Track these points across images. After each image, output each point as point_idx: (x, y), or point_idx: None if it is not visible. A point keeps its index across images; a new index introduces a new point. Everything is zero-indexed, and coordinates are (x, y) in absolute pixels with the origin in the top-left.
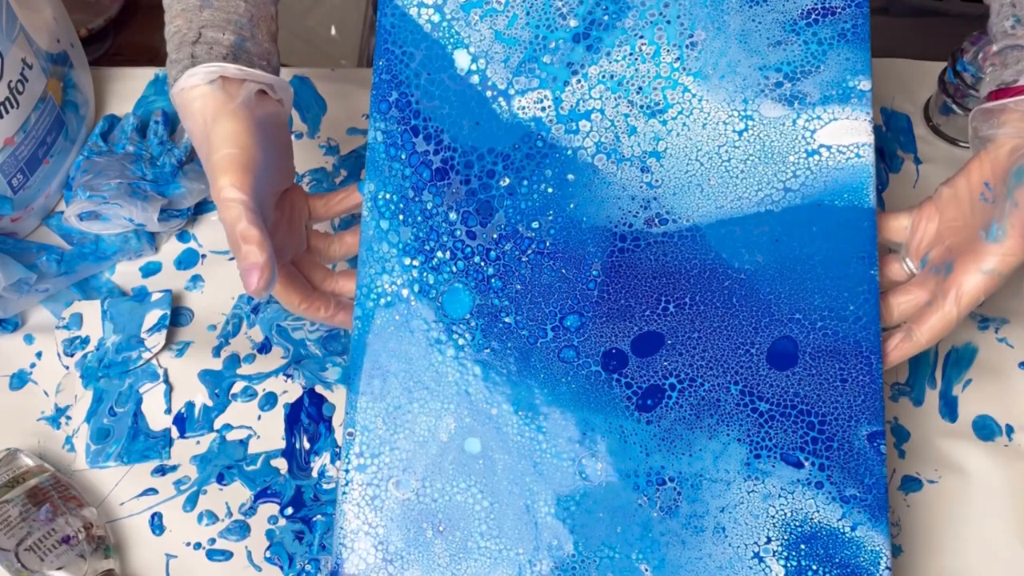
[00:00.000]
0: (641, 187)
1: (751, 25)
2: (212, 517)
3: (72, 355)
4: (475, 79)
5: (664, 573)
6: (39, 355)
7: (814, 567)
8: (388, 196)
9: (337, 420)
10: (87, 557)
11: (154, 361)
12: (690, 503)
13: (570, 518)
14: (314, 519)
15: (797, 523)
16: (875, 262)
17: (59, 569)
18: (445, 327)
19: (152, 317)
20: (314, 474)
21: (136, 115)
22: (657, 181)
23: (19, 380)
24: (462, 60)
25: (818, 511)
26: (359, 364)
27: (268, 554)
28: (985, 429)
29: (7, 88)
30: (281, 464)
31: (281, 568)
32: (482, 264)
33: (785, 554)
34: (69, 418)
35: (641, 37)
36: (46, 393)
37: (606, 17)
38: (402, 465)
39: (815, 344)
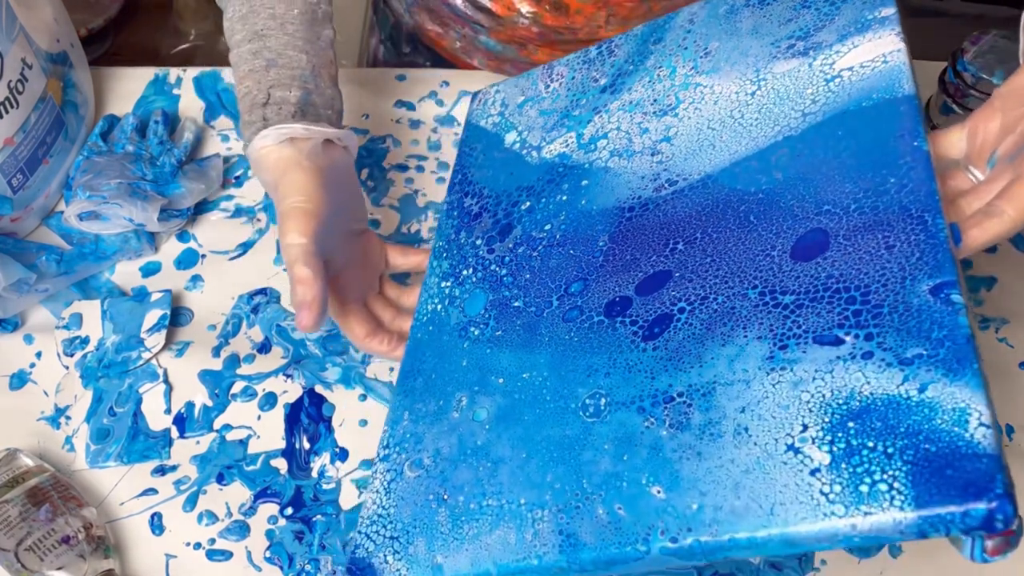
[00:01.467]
0: (652, 166)
1: (762, 20)
2: (212, 517)
3: (72, 355)
4: (516, 146)
5: (679, 491)
6: (39, 355)
7: (870, 444)
8: (440, 244)
9: (337, 420)
10: (87, 557)
11: (154, 361)
12: (703, 412)
13: (573, 458)
14: (314, 519)
15: (840, 401)
16: (921, 135)
17: (59, 569)
18: (463, 325)
19: (152, 317)
20: (314, 474)
21: (136, 115)
22: (668, 157)
23: (19, 380)
24: (510, 138)
25: (868, 383)
26: (402, 369)
27: (268, 554)
28: None
29: (7, 88)
30: (281, 464)
31: (281, 568)
32: (497, 269)
33: (828, 438)
34: (69, 418)
35: (660, 67)
36: (46, 393)
37: (631, 66)
38: (417, 447)
39: (849, 226)
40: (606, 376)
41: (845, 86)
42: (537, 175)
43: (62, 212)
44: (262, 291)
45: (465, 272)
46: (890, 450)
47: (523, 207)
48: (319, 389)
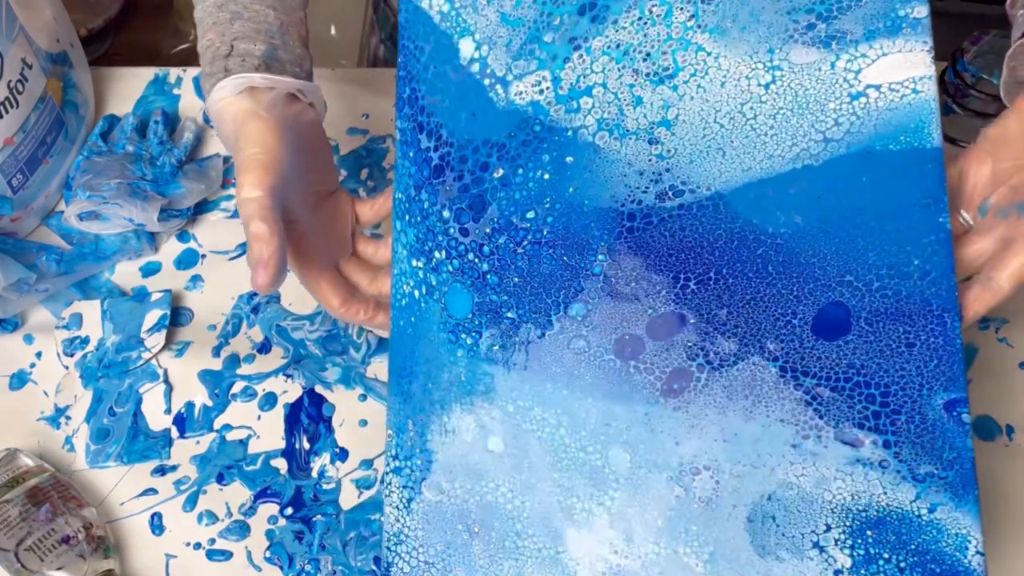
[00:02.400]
0: (650, 160)
1: None
2: (212, 517)
3: (72, 355)
4: (475, 67)
5: (717, 567)
6: (39, 355)
7: (885, 555)
8: (400, 196)
9: (337, 420)
10: (87, 557)
11: (154, 361)
12: (731, 492)
13: (606, 513)
14: (314, 519)
15: (860, 508)
16: (945, 208)
17: (59, 569)
18: (451, 328)
19: (152, 317)
20: (314, 474)
21: (136, 115)
22: (669, 151)
23: (19, 380)
24: (466, 48)
25: (885, 493)
26: (392, 364)
27: (268, 554)
28: (985, 429)
29: (7, 88)
30: (281, 464)
31: (281, 568)
32: (476, 260)
33: (850, 543)
34: (69, 418)
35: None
36: (46, 393)
37: None
38: (432, 467)
39: (872, 307)
40: (627, 429)
41: (871, 112)
42: (507, 128)
43: (62, 212)
44: None
45: (437, 255)
46: (902, 564)
47: (495, 175)
48: (319, 389)
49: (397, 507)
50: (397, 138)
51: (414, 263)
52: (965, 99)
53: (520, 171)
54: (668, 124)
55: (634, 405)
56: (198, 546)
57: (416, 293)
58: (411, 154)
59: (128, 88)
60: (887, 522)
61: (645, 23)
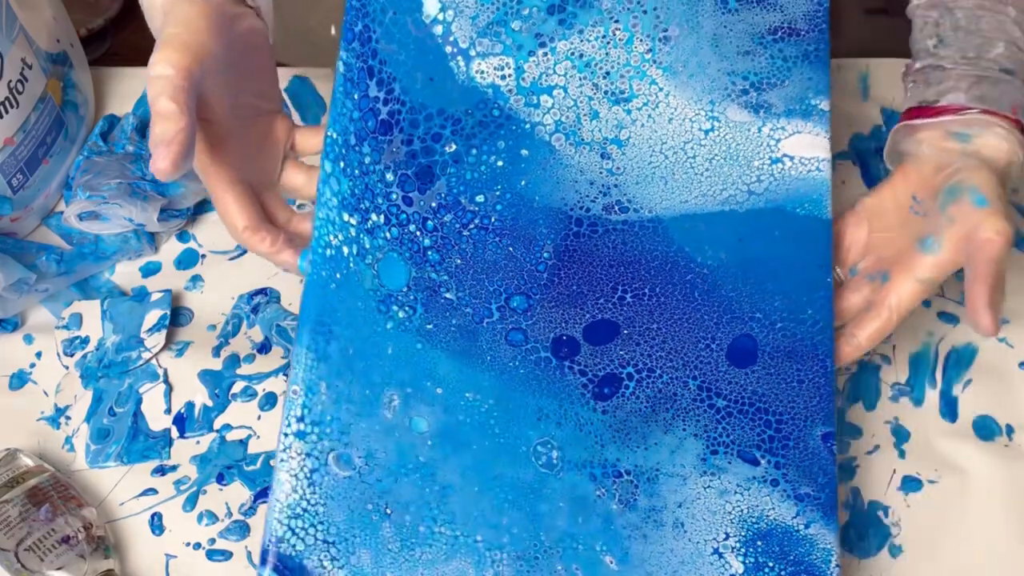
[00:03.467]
0: (601, 173)
1: (723, 31)
2: (212, 517)
3: (72, 355)
4: (438, 30)
5: (629, 566)
6: (39, 355)
7: (770, 564)
8: (335, 136)
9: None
10: (87, 557)
11: (154, 361)
12: (648, 497)
13: (529, 506)
14: None
15: (754, 520)
16: (831, 271)
17: (59, 569)
18: (382, 297)
19: (152, 317)
20: None
21: (136, 115)
22: (618, 168)
23: (19, 380)
24: (431, 6)
25: (773, 508)
26: (306, 315)
27: None
28: (985, 429)
29: (7, 88)
30: None
31: None
32: (418, 234)
33: (743, 551)
34: (69, 418)
35: (616, 21)
36: (46, 393)
37: None
38: (344, 439)
39: (774, 344)
40: (557, 426)
41: (786, 177)
42: (465, 103)
43: (62, 212)
44: (262, 291)
45: (375, 217)
46: (783, 573)
47: (447, 149)
48: None
49: (296, 476)
50: (340, 70)
51: (346, 217)
52: None
53: (474, 152)
54: (620, 143)
55: (565, 404)
56: (198, 546)
57: (345, 250)
58: (356, 96)
59: (128, 88)
60: (774, 534)
61: (608, 42)
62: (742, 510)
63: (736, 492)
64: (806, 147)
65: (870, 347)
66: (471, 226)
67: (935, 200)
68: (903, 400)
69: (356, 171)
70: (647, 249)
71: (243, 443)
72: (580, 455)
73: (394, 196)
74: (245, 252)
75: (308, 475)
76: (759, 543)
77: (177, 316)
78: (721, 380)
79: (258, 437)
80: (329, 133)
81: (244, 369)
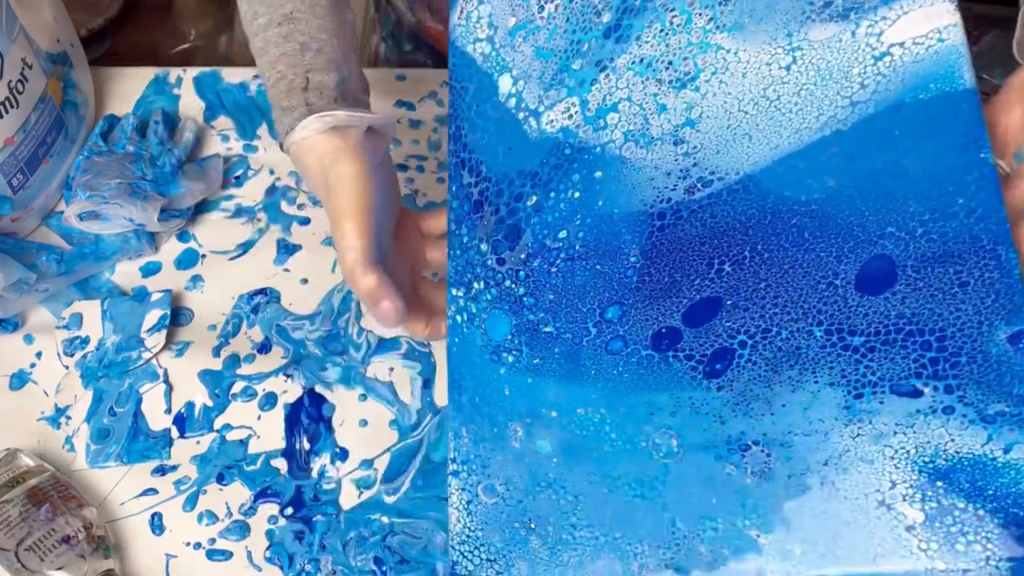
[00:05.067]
0: (676, 160)
1: None
2: (212, 517)
3: (72, 355)
4: (512, 103)
5: (779, 536)
6: (39, 355)
7: (961, 504)
8: (451, 228)
9: (337, 420)
10: (87, 557)
11: (154, 361)
12: (784, 462)
13: (659, 496)
14: (314, 519)
15: (927, 459)
16: (986, 144)
17: (59, 569)
18: (493, 349)
19: (152, 317)
20: (314, 474)
21: (136, 115)
22: (695, 147)
23: (19, 380)
24: (504, 85)
25: (952, 440)
26: (449, 377)
27: (268, 554)
28: None
29: (7, 88)
30: (281, 464)
31: (281, 568)
32: (512, 286)
33: (919, 496)
34: (69, 418)
35: (671, 10)
36: (46, 393)
37: (637, 1)
38: (486, 472)
39: (918, 254)
40: (671, 415)
41: (897, 68)
42: (540, 156)
43: (62, 212)
44: (262, 291)
45: (476, 285)
46: (981, 512)
47: (529, 203)
48: (319, 389)
49: (458, 508)
50: (449, 173)
51: (454, 292)
52: None
53: (552, 195)
54: (692, 123)
55: (676, 392)
56: (198, 546)
57: (459, 318)
58: (454, 188)
59: (128, 88)
60: (958, 470)
61: (667, 34)
62: (909, 451)
63: (896, 433)
64: (919, 24)
65: None
66: (558, 261)
67: None
68: None
69: (457, 251)
70: (740, 212)
71: (243, 443)
72: (700, 437)
73: (489, 262)
74: (245, 252)
75: (466, 506)
76: (940, 484)
77: (177, 316)
78: (853, 315)
79: (258, 437)
80: (449, 222)
81: (244, 369)
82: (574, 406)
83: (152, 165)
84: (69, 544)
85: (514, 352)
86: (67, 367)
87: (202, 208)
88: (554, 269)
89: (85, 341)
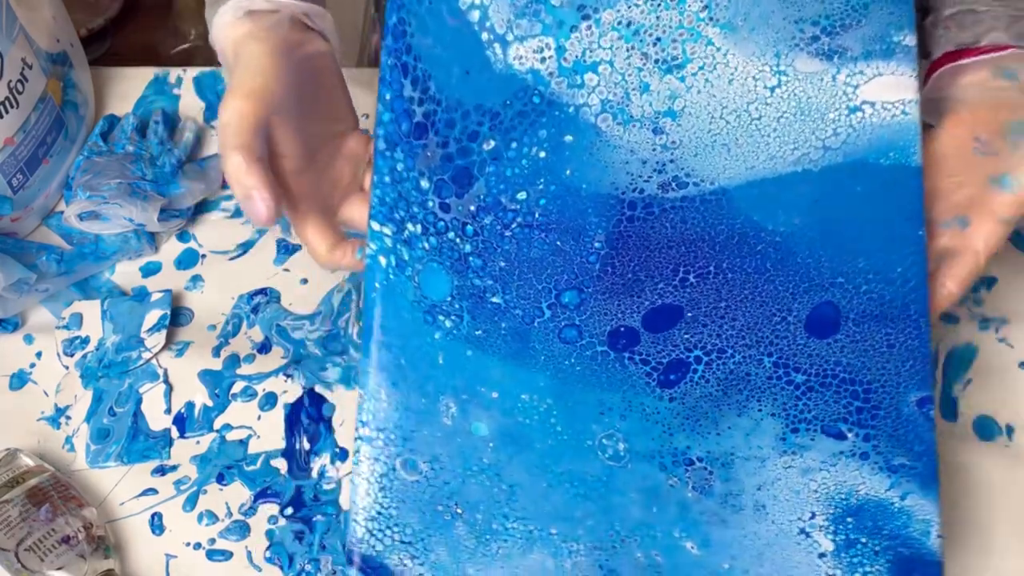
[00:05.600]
0: (654, 149)
1: None
2: (212, 517)
3: (72, 355)
4: (475, 16)
5: (710, 550)
6: (39, 355)
7: (863, 540)
8: (381, 149)
9: (337, 420)
10: (87, 557)
11: (154, 361)
12: (724, 482)
13: (600, 498)
14: (314, 519)
15: (842, 496)
16: (922, 222)
17: (59, 569)
18: (427, 308)
19: (152, 317)
20: (314, 474)
21: (136, 115)
22: (674, 142)
23: (19, 380)
24: None
25: (864, 482)
26: (365, 324)
27: (268, 554)
28: (985, 429)
29: (7, 88)
30: (281, 464)
31: (281, 568)
32: (457, 241)
33: (832, 528)
34: (69, 418)
35: None
36: (46, 393)
37: None
38: (408, 445)
39: (859, 309)
40: (621, 418)
41: (866, 126)
42: (503, 95)
43: (62, 212)
44: (262, 291)
45: (411, 227)
46: (877, 549)
47: (485, 147)
48: (319, 389)
49: (368, 480)
50: (381, 79)
51: (378, 227)
52: None
53: (514, 145)
54: (674, 115)
55: (629, 395)
56: (198, 546)
57: (382, 260)
58: (388, 97)
59: (128, 88)
60: (865, 509)
61: (658, 5)
62: (829, 487)
63: (821, 469)
64: (890, 90)
65: (962, 295)
66: (513, 225)
67: (1002, 138)
68: None
69: (387, 178)
70: (711, 224)
71: (243, 443)
72: (647, 445)
73: (430, 204)
74: (245, 252)
75: (379, 480)
76: (849, 520)
77: (177, 316)
78: (800, 354)
79: (258, 437)
80: (375, 138)
81: (244, 369)
82: (519, 391)
83: (152, 165)
84: (69, 544)
85: (453, 317)
86: (67, 367)
87: (202, 208)
88: (508, 233)
89: (85, 341)
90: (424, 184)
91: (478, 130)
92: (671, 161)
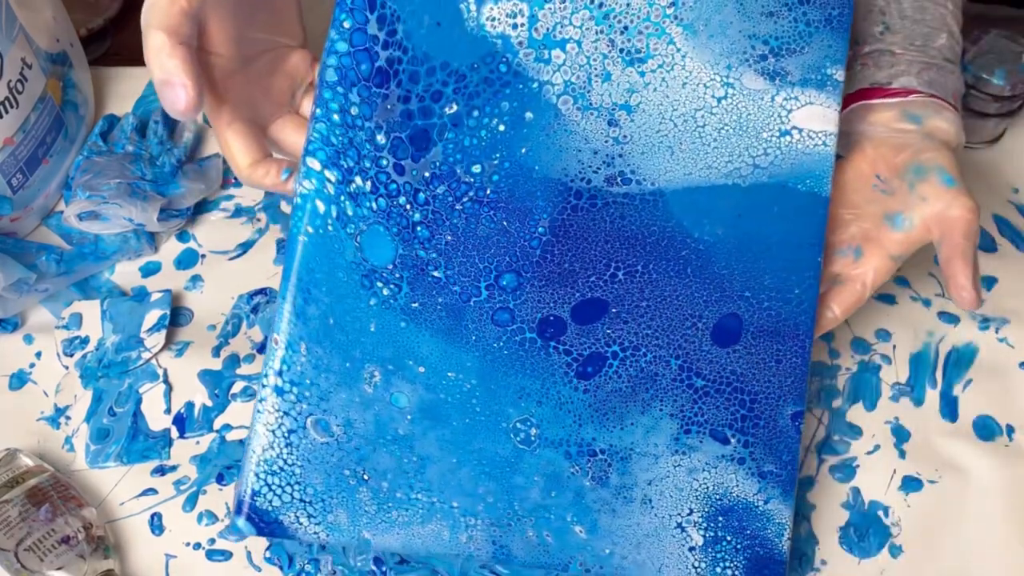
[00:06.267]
0: (607, 141)
1: None
2: (212, 517)
3: (72, 355)
4: None
5: (597, 536)
6: (39, 355)
7: (728, 538)
8: (331, 80)
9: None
10: (87, 557)
11: (154, 361)
12: (620, 475)
13: (505, 478)
14: None
15: (718, 496)
16: (822, 250)
17: (59, 569)
18: (366, 272)
19: (152, 317)
20: None
21: (136, 115)
22: (625, 137)
23: (19, 380)
24: None
25: (738, 485)
26: (288, 266)
27: (268, 554)
28: (985, 429)
29: (6, 88)
30: None
31: (281, 568)
32: (407, 207)
33: (704, 525)
34: (69, 418)
35: None
36: (46, 393)
37: None
38: (323, 406)
39: (758, 323)
40: (538, 405)
41: (792, 151)
42: (472, 58)
43: (62, 212)
44: (262, 291)
45: (359, 181)
46: (738, 546)
47: (447, 110)
48: None
49: (273, 432)
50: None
51: (317, 166)
52: (965, 99)
53: (475, 114)
54: (629, 109)
55: (548, 383)
56: (198, 546)
57: (321, 206)
58: (347, 26)
59: (128, 88)
60: (735, 510)
61: None
62: (708, 487)
63: (704, 470)
64: (817, 120)
65: (844, 319)
66: (465, 199)
67: (900, 178)
68: (903, 400)
69: (336, 117)
70: (645, 224)
71: (243, 443)
72: (557, 433)
73: (384, 163)
74: (245, 252)
75: (286, 435)
76: (720, 518)
77: (177, 316)
78: (703, 359)
79: None
80: (324, 61)
81: (244, 369)
82: (446, 368)
83: (152, 165)
84: (69, 544)
85: (391, 286)
86: (67, 367)
87: (202, 208)
88: (459, 207)
89: (85, 341)
90: (380, 139)
91: (442, 90)
92: (620, 156)
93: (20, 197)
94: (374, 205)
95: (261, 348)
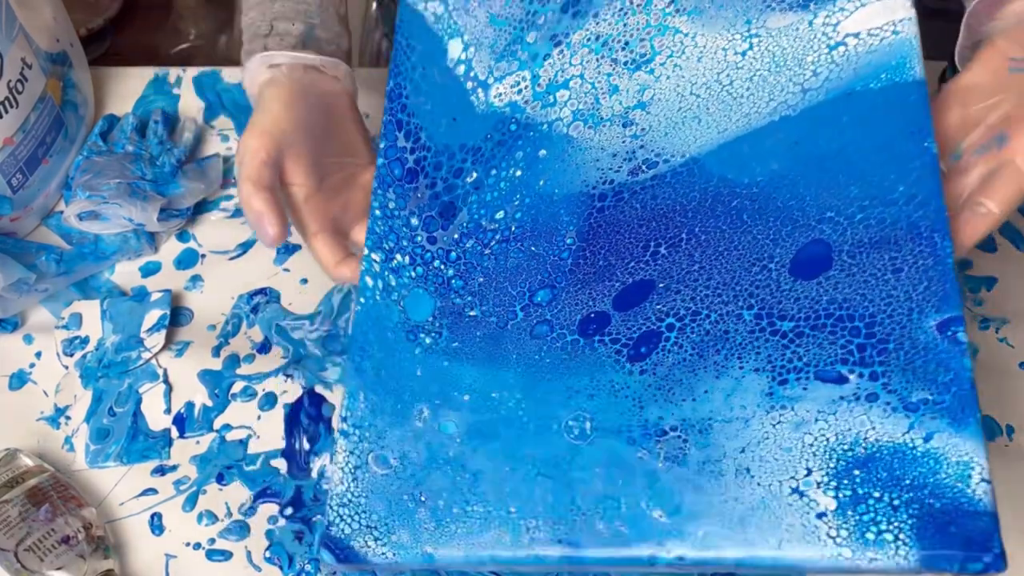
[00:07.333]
0: (624, 141)
1: None
2: (212, 517)
3: (71, 355)
4: (460, 69)
5: (682, 517)
6: (38, 355)
7: (876, 494)
8: (376, 190)
9: (337, 420)
10: (87, 557)
11: (154, 361)
12: (701, 449)
13: (561, 476)
14: (314, 519)
15: (846, 447)
16: (931, 134)
17: (59, 569)
18: (410, 328)
19: (152, 317)
20: (314, 474)
21: (136, 115)
22: (643, 129)
23: (18, 380)
24: (454, 50)
25: (873, 428)
26: (354, 330)
27: (268, 554)
28: (985, 429)
29: (6, 88)
30: (281, 464)
31: (281, 568)
32: (441, 267)
33: (834, 484)
34: (69, 418)
35: None
36: (46, 393)
37: None
38: (380, 443)
39: (854, 239)
40: (589, 398)
41: (850, 57)
42: (485, 131)
43: (62, 212)
44: (262, 291)
45: (399, 258)
46: (896, 502)
47: (468, 180)
48: (319, 389)
49: (343, 470)
50: (382, 131)
51: (370, 253)
52: None
53: (493, 172)
54: (643, 106)
55: (596, 375)
56: (198, 546)
57: (369, 281)
58: (384, 148)
59: (128, 88)
60: (876, 459)
61: (625, 13)
62: (828, 439)
63: (817, 420)
64: (875, 16)
65: (1005, 215)
66: (492, 243)
67: None
68: None
69: (378, 214)
70: (681, 194)
71: (243, 443)
72: (615, 421)
73: (418, 239)
74: (245, 252)
75: (352, 471)
76: (856, 473)
77: (177, 316)
78: (785, 300)
79: (258, 437)
80: (376, 178)
81: (244, 369)
82: (489, 390)
83: (152, 165)
84: (69, 544)
85: (433, 335)
86: (67, 367)
87: (202, 208)
88: (487, 251)
89: (85, 341)
90: (414, 222)
91: (462, 167)
92: (641, 147)
93: (20, 197)
94: (412, 273)
95: (261, 348)
